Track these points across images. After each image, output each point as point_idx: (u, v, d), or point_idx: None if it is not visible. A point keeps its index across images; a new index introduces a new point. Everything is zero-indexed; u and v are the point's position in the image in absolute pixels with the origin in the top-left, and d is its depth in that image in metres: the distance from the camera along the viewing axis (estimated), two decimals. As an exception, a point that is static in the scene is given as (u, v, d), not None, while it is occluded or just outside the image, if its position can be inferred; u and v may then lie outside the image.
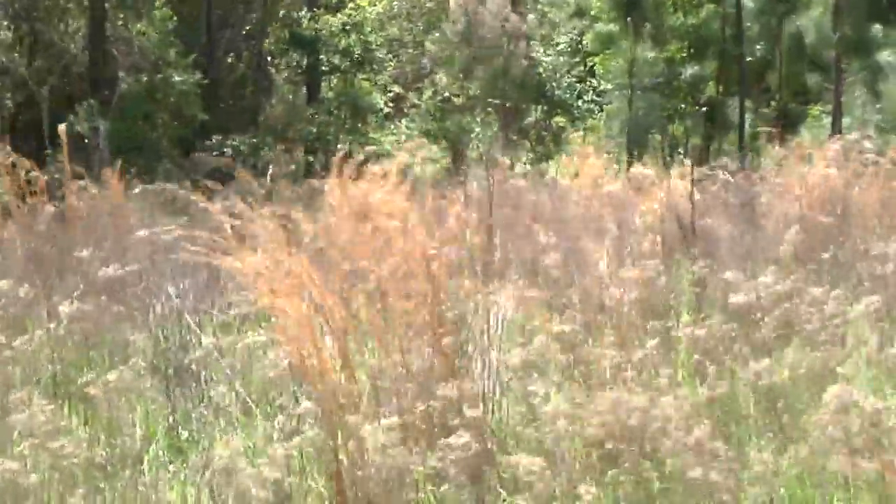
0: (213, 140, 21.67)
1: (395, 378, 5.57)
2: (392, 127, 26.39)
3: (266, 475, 4.85)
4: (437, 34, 26.29)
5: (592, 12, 25.71)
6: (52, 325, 7.04)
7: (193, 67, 22.13)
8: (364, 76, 26.28)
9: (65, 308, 6.72)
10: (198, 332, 7.33)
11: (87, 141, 17.49)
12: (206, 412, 6.58)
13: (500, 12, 24.09)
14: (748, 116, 22.10)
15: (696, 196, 10.53)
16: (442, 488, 5.01)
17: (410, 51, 29.05)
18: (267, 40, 25.66)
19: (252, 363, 7.43)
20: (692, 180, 10.69)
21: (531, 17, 26.14)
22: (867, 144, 13.08)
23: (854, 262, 8.93)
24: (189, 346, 7.13)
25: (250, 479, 4.82)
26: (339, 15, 25.47)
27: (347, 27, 25.33)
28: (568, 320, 6.44)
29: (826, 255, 8.81)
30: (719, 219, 11.23)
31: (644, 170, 12.01)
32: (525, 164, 22.80)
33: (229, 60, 25.55)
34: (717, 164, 13.90)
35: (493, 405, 5.86)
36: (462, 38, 24.66)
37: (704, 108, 23.36)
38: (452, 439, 4.84)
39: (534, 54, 25.26)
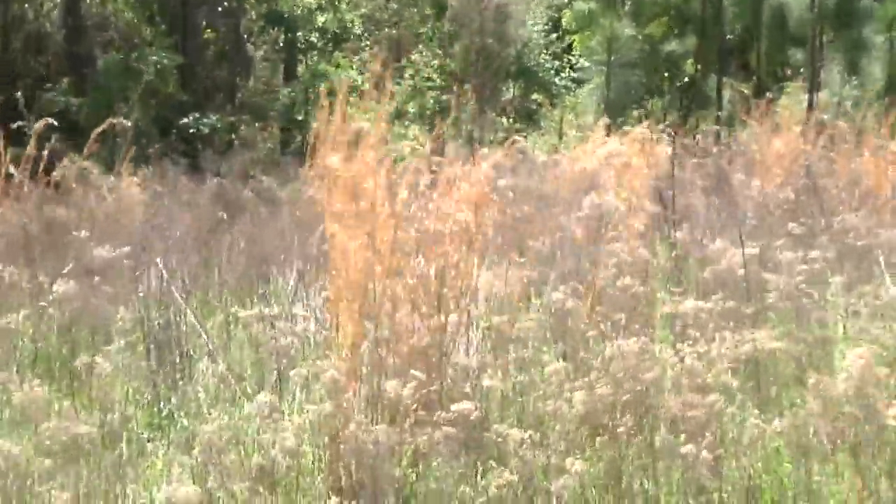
0: (190, 118, 21.59)
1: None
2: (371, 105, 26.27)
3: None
4: (416, 12, 26.24)
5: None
6: (40, 304, 7.04)
7: (171, 46, 22.06)
8: (342, 54, 26.22)
9: (57, 287, 6.71)
10: (184, 308, 7.34)
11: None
12: (188, 389, 6.60)
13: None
14: (727, 93, 22.10)
15: (675, 172, 10.57)
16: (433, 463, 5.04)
17: (387, 29, 28.95)
18: (245, 17, 25.56)
19: (232, 340, 7.48)
20: (672, 157, 10.73)
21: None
22: (839, 122, 13.17)
23: (821, 233, 9.01)
24: (173, 323, 7.15)
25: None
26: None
27: (324, 4, 25.26)
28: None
29: (794, 227, 8.87)
30: (695, 194, 11.31)
31: (619, 146, 12.02)
32: (501, 141, 22.80)
33: (206, 37, 25.43)
34: (695, 140, 13.96)
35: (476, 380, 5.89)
36: (442, 13, 24.62)
37: (682, 85, 23.38)
38: (454, 407, 4.89)
39: (511, 31, 25.22)
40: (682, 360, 5.35)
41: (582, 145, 13.72)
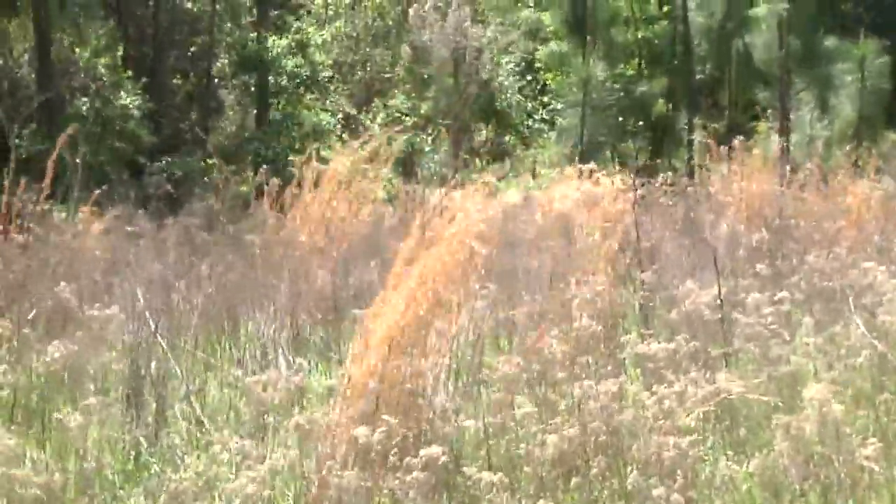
0: (163, 161, 21.62)
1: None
2: (342, 147, 26.34)
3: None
4: (389, 53, 26.34)
5: (546, 30, 25.85)
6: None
7: (140, 90, 22.09)
8: (313, 97, 26.29)
9: (52, 349, 6.71)
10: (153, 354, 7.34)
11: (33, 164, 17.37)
12: (161, 434, 6.60)
13: (460, 27, 24.13)
14: (698, 133, 22.24)
15: (640, 213, 10.61)
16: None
17: (359, 73, 29.06)
18: (216, 62, 25.62)
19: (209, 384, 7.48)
20: (634, 199, 10.77)
21: (489, 31, 26.21)
22: (809, 165, 13.26)
23: (791, 273, 9.06)
24: (147, 369, 7.14)
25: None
26: (285, 37, 25.47)
27: (294, 49, 25.33)
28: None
29: (762, 267, 8.92)
30: (665, 234, 11.37)
31: (592, 188, 12.08)
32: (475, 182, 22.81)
33: (176, 81, 25.49)
34: (665, 180, 14.02)
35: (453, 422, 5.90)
36: (416, 54, 24.70)
37: (654, 125, 23.50)
38: (423, 451, 4.90)
39: (485, 73, 25.33)
40: (653, 401, 5.37)
41: (553, 187, 13.79)
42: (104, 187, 12.83)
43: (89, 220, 11.64)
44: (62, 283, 8.03)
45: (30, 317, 7.63)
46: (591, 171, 12.64)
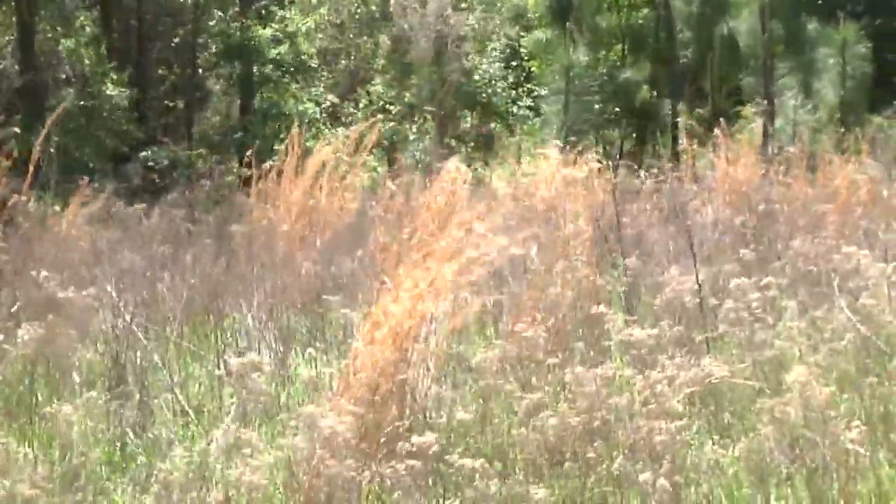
0: (149, 151, 21.59)
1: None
2: (328, 135, 26.34)
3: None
4: (372, 42, 26.30)
5: (528, 16, 25.82)
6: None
7: (125, 80, 22.05)
8: (297, 86, 26.24)
9: (22, 332, 6.67)
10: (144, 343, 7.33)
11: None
12: (146, 425, 6.58)
13: (441, 13, 24.07)
14: (682, 119, 22.24)
15: (623, 199, 10.62)
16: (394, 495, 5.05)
17: (343, 61, 29.01)
18: (201, 52, 25.56)
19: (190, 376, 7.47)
20: (614, 186, 10.78)
21: (471, 18, 26.17)
22: (790, 149, 13.28)
23: (776, 258, 9.07)
24: (131, 360, 7.13)
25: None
26: (270, 26, 25.40)
27: (278, 38, 25.27)
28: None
29: (746, 252, 8.92)
30: (650, 220, 11.38)
31: (575, 172, 12.04)
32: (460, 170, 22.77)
33: (160, 72, 25.43)
34: (649, 166, 14.02)
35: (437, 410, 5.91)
36: (397, 43, 24.65)
37: (638, 112, 23.50)
38: (415, 439, 4.90)
39: (468, 61, 25.30)
40: (639, 387, 5.38)
41: (537, 173, 13.77)
42: (85, 178, 12.80)
43: (72, 211, 11.61)
44: (43, 274, 8.00)
45: (13, 309, 7.60)
46: (575, 157, 12.62)
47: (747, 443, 5.16)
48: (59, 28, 22.37)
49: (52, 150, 13.03)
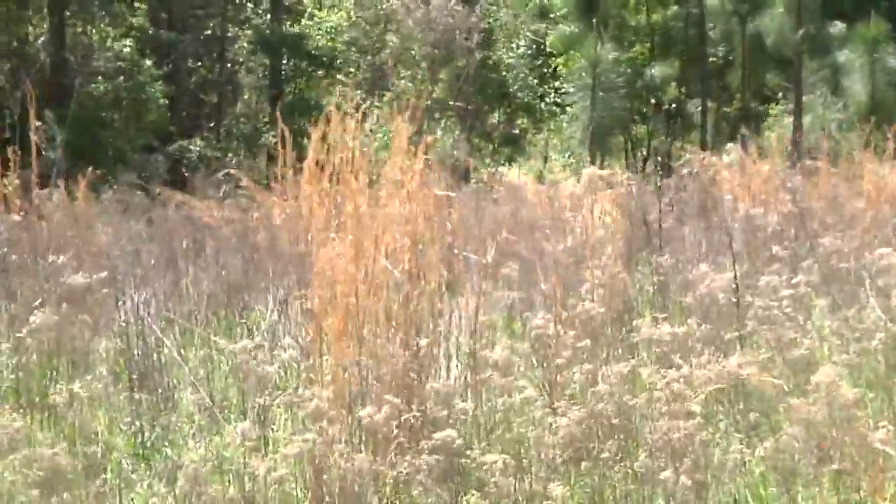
0: (178, 145, 21.66)
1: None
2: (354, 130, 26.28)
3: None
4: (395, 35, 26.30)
5: (555, 13, 25.75)
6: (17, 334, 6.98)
7: (159, 74, 22.13)
8: (328, 80, 26.27)
9: (34, 318, 6.66)
10: (161, 338, 7.31)
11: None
12: (171, 418, 6.57)
13: (446, 7, 23.96)
14: (711, 116, 22.18)
15: (652, 196, 10.57)
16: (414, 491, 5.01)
17: (370, 57, 29.01)
18: (232, 46, 25.60)
19: (215, 370, 7.45)
20: (657, 181, 10.73)
21: (501, 13, 26.11)
22: (819, 147, 13.20)
23: (807, 256, 9.01)
24: (153, 352, 7.11)
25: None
26: (299, 20, 25.45)
27: (308, 32, 25.32)
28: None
29: (777, 250, 8.86)
30: (679, 217, 11.32)
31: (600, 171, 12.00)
32: (487, 167, 22.79)
33: (190, 65, 25.49)
34: (678, 163, 13.95)
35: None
36: (406, 41, 24.61)
37: (667, 109, 23.45)
38: (437, 434, 4.86)
39: (492, 52, 25.26)
40: (664, 384, 5.32)
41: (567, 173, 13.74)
42: (101, 169, 12.80)
43: (88, 201, 11.56)
44: (61, 258, 7.99)
45: (37, 302, 7.59)
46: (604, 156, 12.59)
47: (774, 442, 5.11)
48: (91, 24, 22.41)
49: (63, 141, 13.00)
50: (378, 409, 5.14)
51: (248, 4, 25.79)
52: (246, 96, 26.73)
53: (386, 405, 5.15)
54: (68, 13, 21.66)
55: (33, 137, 10.65)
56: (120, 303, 7.48)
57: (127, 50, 21.84)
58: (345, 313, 5.63)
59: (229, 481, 5.22)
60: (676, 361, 5.45)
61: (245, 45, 25.88)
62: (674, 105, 23.53)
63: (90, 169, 11.49)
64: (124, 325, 7.31)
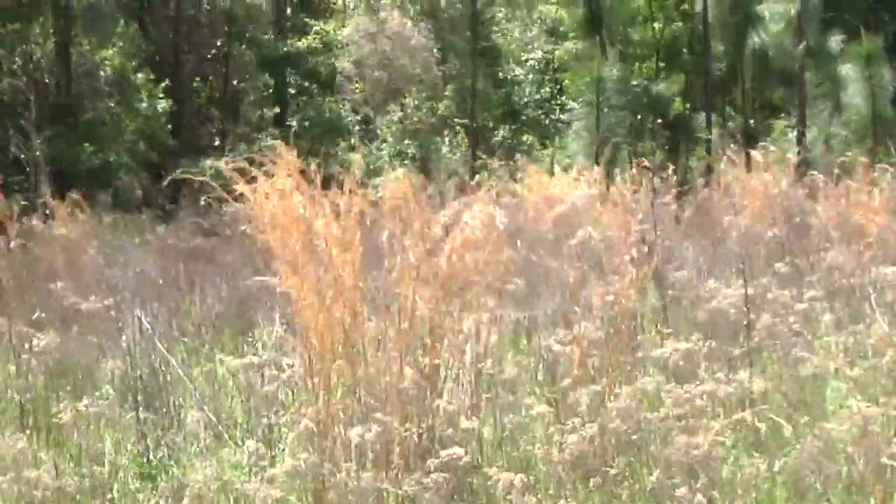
0: (180, 163, 21.61)
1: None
2: (363, 148, 26.33)
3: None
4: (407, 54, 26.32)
5: (562, 29, 25.78)
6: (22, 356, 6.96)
7: (162, 92, 22.11)
8: (332, 98, 26.26)
9: (38, 340, 6.64)
10: (167, 357, 7.29)
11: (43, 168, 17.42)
12: (176, 439, 6.54)
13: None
14: (715, 131, 22.16)
15: (656, 212, 10.52)
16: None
17: (377, 73, 29.01)
18: (236, 64, 25.59)
19: (220, 389, 7.42)
20: (652, 198, 10.69)
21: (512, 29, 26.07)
22: (826, 162, 13.18)
23: (810, 271, 8.99)
24: (158, 371, 7.09)
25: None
26: (305, 38, 25.44)
27: (314, 49, 25.31)
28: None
29: (780, 266, 8.83)
30: (683, 233, 11.29)
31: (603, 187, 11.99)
32: (493, 183, 22.73)
33: (195, 84, 25.47)
34: (683, 179, 13.95)
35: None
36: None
37: (672, 124, 23.43)
38: (445, 452, 4.83)
39: (502, 72, 25.27)
40: (674, 402, 5.30)
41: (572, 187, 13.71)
42: (109, 190, 12.80)
43: (82, 222, 11.55)
44: (59, 284, 7.98)
45: (34, 317, 7.58)
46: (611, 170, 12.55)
47: (784, 458, 5.09)
48: (95, 42, 22.38)
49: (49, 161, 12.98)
50: (369, 428, 5.10)
51: (247, 26, 25.82)
52: (250, 115, 26.73)
53: (376, 424, 5.12)
54: (74, 33, 21.66)
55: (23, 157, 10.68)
56: (122, 322, 7.46)
57: (123, 69, 21.85)
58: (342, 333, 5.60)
59: (234, 501, 5.20)
60: (700, 376, 5.43)
61: (243, 63, 25.88)
62: (678, 120, 23.51)
63: (83, 189, 11.47)
64: (129, 343, 7.29)
